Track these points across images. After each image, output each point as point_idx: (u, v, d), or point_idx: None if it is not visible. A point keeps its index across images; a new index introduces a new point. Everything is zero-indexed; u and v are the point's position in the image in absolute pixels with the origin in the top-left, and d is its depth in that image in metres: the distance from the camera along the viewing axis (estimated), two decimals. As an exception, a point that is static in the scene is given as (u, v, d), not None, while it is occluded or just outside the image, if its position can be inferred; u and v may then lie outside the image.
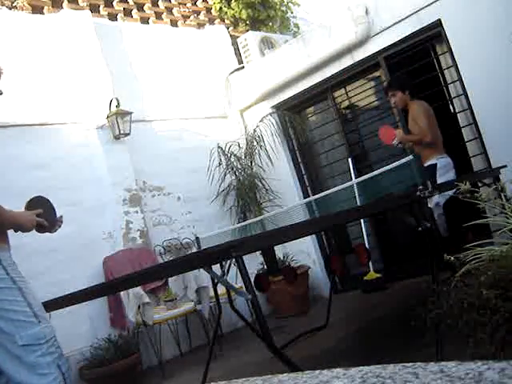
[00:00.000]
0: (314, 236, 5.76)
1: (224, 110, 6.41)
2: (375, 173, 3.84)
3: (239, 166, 5.87)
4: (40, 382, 1.63)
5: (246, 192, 5.73)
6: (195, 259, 2.25)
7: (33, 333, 1.66)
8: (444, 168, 4.12)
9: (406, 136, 4.32)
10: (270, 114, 5.95)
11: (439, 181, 3.99)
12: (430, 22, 4.68)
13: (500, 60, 4.33)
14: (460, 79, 4.66)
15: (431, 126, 4.16)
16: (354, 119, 5.86)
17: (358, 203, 4.10)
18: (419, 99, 4.33)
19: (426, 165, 4.10)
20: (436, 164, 4.10)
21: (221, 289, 3.69)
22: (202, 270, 2.32)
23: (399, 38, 4.92)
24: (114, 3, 6.05)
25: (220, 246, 2.00)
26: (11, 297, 1.66)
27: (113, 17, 5.97)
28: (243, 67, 6.35)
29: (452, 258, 2.01)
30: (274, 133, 5.87)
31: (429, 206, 3.91)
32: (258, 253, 4.40)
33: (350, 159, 5.51)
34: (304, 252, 5.85)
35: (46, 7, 5.38)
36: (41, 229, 2.14)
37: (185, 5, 6.87)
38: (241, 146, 6.04)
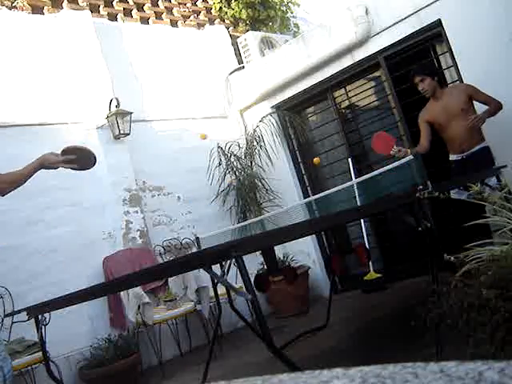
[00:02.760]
0: (314, 236, 5.76)
1: (224, 110, 6.41)
2: (375, 173, 3.84)
3: (239, 166, 5.87)
4: None
5: (246, 192, 5.73)
6: (195, 259, 2.25)
7: None
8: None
9: (485, 114, 3.99)
10: (270, 114, 5.95)
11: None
12: (429, 22, 4.68)
13: (500, 60, 4.33)
14: (460, 79, 4.66)
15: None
16: (354, 119, 5.86)
17: (358, 203, 4.10)
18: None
19: (481, 146, 4.12)
20: (489, 147, 4.14)
21: (221, 289, 3.69)
22: (201, 270, 2.32)
23: (399, 38, 4.92)
24: (114, 3, 6.05)
25: (220, 246, 2.00)
26: None
27: (113, 17, 5.97)
28: (243, 67, 6.35)
29: (452, 258, 2.01)
30: (274, 133, 5.87)
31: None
32: (258, 253, 4.40)
33: (349, 159, 5.50)
34: (304, 252, 5.85)
35: (45, 7, 5.38)
36: (69, 164, 2.66)
37: (185, 5, 6.87)
38: (241, 146, 6.05)
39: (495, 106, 4.01)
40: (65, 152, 2.68)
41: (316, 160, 5.52)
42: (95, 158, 2.75)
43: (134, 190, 5.16)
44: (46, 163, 2.63)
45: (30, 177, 2.65)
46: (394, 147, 4.17)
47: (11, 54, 4.75)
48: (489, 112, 3.99)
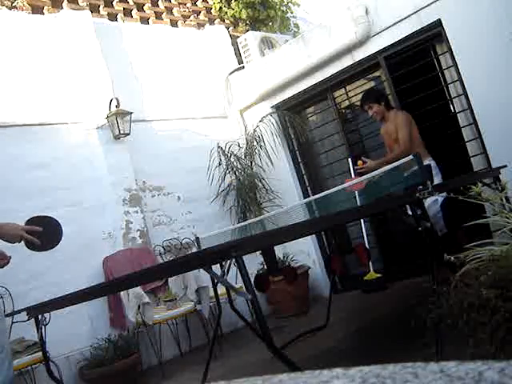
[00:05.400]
0: (314, 236, 5.76)
1: (224, 110, 6.41)
2: (375, 173, 3.84)
3: (239, 166, 5.87)
4: None
5: (246, 192, 5.73)
6: (195, 259, 2.25)
7: None
8: (436, 168, 4.30)
9: (380, 161, 4.36)
10: (270, 114, 5.95)
11: (435, 180, 4.10)
12: (429, 22, 4.68)
13: (500, 60, 4.33)
14: (460, 79, 4.66)
15: (414, 134, 4.36)
16: (354, 119, 5.86)
17: (358, 203, 4.10)
18: (399, 109, 4.56)
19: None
20: (430, 164, 4.25)
21: (221, 289, 3.69)
22: (201, 270, 2.32)
23: (399, 38, 4.92)
24: (114, 3, 6.05)
25: (220, 246, 2.00)
26: None
27: (113, 17, 5.97)
28: (243, 67, 6.35)
29: (452, 258, 2.01)
30: (274, 133, 5.87)
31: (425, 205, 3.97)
32: (258, 253, 4.40)
33: (349, 159, 5.50)
34: (304, 252, 5.85)
35: (45, 7, 5.38)
36: (30, 245, 2.24)
37: (185, 5, 6.87)
38: (241, 145, 6.04)
39: (395, 155, 4.22)
40: (30, 222, 2.29)
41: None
42: (61, 229, 2.35)
43: (133, 189, 5.16)
44: (3, 229, 2.16)
45: None
46: (359, 166, 4.47)
47: (11, 54, 4.74)
48: (384, 161, 4.26)
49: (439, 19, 4.61)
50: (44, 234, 2.24)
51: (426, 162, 4.19)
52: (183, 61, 6.18)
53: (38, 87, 4.81)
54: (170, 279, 4.69)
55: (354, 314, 4.78)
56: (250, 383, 0.47)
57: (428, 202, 4.02)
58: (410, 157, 3.26)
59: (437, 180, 4.15)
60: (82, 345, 4.32)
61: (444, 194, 3.91)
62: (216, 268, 2.63)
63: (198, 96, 6.14)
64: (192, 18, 6.85)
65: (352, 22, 5.09)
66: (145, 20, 6.33)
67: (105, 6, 5.93)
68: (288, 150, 6.14)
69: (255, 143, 5.90)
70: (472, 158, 4.78)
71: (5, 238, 2.15)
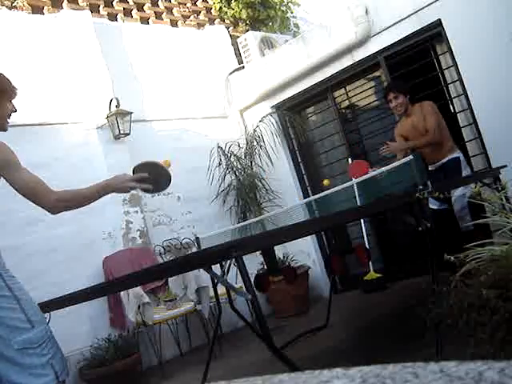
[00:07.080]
0: (314, 236, 5.76)
1: (224, 110, 6.41)
2: (375, 173, 3.84)
3: (239, 166, 5.87)
4: (36, 382, 1.75)
5: (246, 192, 5.73)
6: (195, 259, 2.25)
7: (27, 338, 1.77)
8: (464, 162, 4.26)
9: (405, 145, 4.28)
10: (270, 114, 5.95)
11: (464, 173, 4.13)
12: (430, 22, 4.68)
13: (500, 60, 4.33)
14: (460, 79, 4.66)
15: (442, 124, 4.27)
16: (354, 119, 5.86)
17: (358, 203, 4.10)
18: (417, 102, 4.41)
19: (450, 157, 4.23)
20: (459, 157, 4.22)
21: (221, 289, 3.69)
22: (201, 270, 2.32)
23: (399, 38, 4.92)
24: (114, 3, 6.05)
25: (220, 246, 2.00)
26: (7, 304, 1.77)
27: (113, 17, 5.97)
28: (243, 67, 6.35)
29: (452, 258, 2.01)
30: (274, 133, 5.87)
31: (452, 198, 3.98)
32: (257, 253, 4.40)
33: (349, 159, 5.51)
34: (304, 252, 5.85)
35: (45, 7, 5.38)
36: (145, 191, 2.42)
37: (185, 5, 6.87)
38: (241, 145, 6.04)
39: (425, 141, 4.19)
40: (136, 170, 2.46)
41: (326, 182, 5.40)
42: (170, 176, 2.48)
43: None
44: (113, 184, 2.34)
45: (92, 200, 2.30)
46: (370, 170, 4.46)
47: (11, 54, 4.74)
48: (414, 145, 4.20)
49: (439, 19, 4.61)
50: (152, 177, 2.44)
51: (454, 155, 4.23)
52: (183, 61, 6.18)
53: (37, 87, 4.81)
54: (169, 279, 4.69)
55: (354, 314, 4.78)
56: (250, 383, 0.47)
57: (455, 195, 4.02)
58: (411, 156, 3.26)
59: (465, 174, 4.15)
60: (81, 345, 4.31)
61: (470, 187, 3.87)
62: (216, 268, 2.63)
63: (198, 96, 6.13)
64: (192, 18, 6.85)
65: (352, 22, 5.09)
66: (145, 20, 6.33)
67: (105, 6, 5.93)
68: (288, 150, 6.14)
69: (255, 143, 5.90)
70: (472, 158, 4.78)
71: (117, 191, 2.36)
